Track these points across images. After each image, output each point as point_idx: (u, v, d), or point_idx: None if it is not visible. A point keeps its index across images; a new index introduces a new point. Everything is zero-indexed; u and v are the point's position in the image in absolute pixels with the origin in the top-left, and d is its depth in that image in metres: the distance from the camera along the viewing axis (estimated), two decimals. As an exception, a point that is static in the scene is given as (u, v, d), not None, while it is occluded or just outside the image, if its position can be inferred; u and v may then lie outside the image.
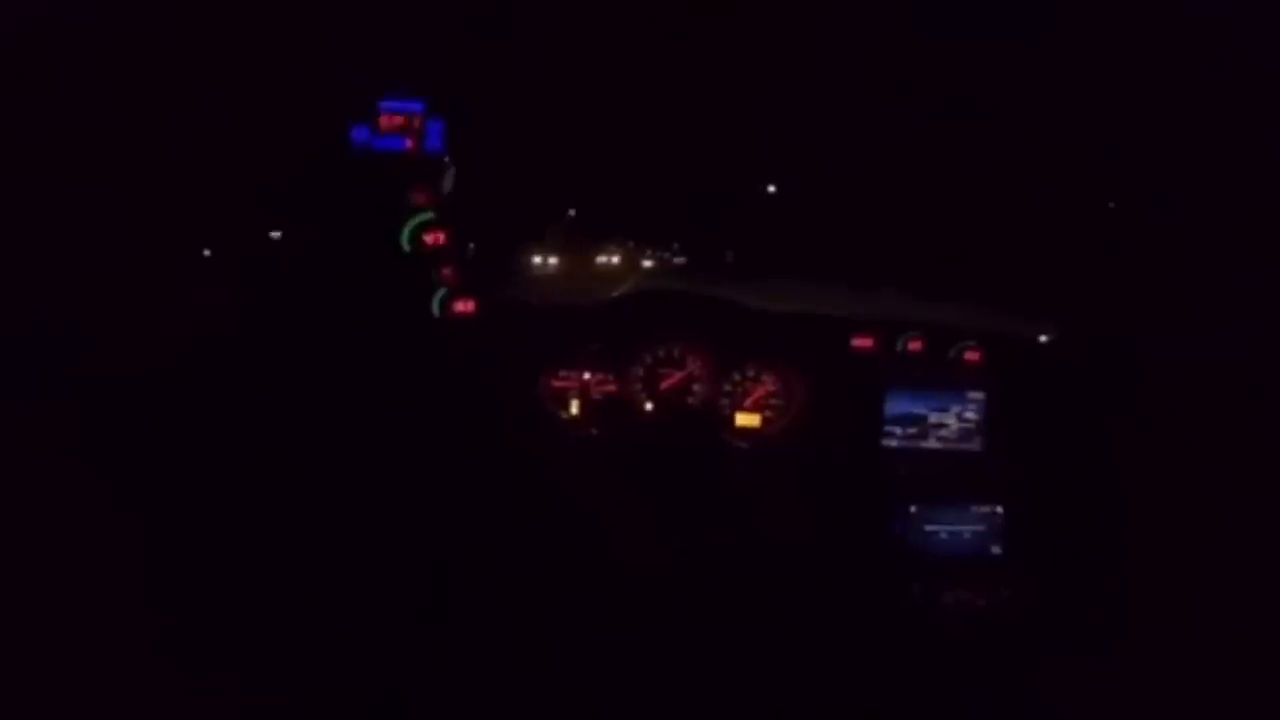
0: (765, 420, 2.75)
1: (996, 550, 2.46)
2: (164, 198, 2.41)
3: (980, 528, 2.46)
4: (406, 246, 2.50)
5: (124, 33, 2.19)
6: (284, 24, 2.32)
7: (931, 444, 2.60)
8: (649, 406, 2.73)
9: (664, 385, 2.74)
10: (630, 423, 2.69)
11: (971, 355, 2.76)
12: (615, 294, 3.51)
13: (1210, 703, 2.07)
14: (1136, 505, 2.39)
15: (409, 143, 2.48)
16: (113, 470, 2.08)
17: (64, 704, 1.78)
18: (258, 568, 2.08)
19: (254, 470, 2.17)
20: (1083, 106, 2.65)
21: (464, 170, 2.55)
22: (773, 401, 2.76)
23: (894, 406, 2.59)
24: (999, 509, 2.46)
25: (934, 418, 2.61)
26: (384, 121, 2.47)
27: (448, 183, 2.53)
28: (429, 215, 2.51)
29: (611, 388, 2.72)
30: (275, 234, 2.65)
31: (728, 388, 2.75)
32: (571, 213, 3.64)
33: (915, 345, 2.76)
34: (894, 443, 2.59)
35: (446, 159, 2.51)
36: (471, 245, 2.61)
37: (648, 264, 4.00)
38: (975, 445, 2.61)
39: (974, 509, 2.46)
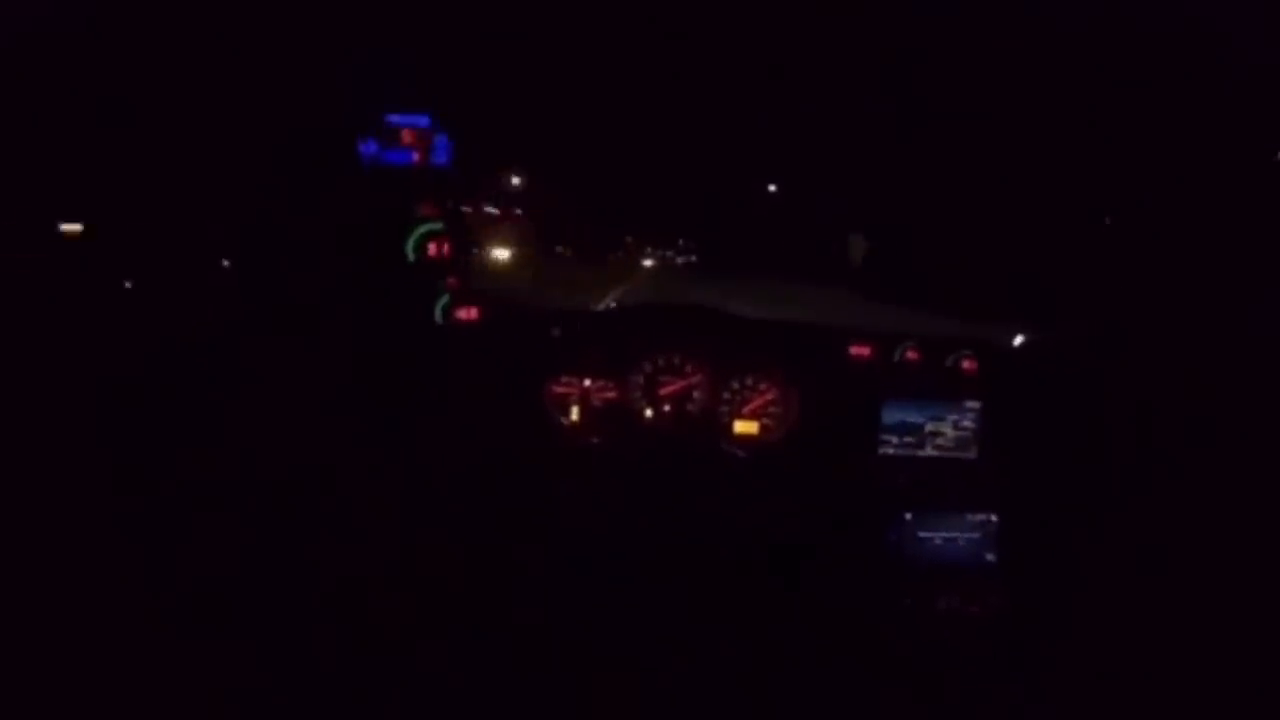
0: (764, 428, 2.77)
1: (991, 557, 2.46)
2: (182, 210, 2.49)
3: (975, 535, 2.46)
4: (411, 255, 2.57)
5: (136, 47, 2.26)
6: (294, 40, 2.39)
7: (928, 452, 2.62)
8: (649, 413, 2.76)
9: (664, 392, 2.77)
10: (630, 429, 2.72)
11: (968, 364, 2.78)
12: (615, 297, 3.55)
13: (1206, 709, 2.08)
14: (1131, 513, 2.41)
15: (416, 156, 2.55)
16: (121, 473, 2.14)
17: (64, 703, 1.82)
18: (258, 568, 2.12)
19: (258, 473, 2.22)
20: (1083, 108, 2.67)
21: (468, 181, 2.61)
22: (771, 410, 2.79)
23: (891, 415, 2.60)
24: (994, 516, 2.46)
25: (930, 426, 2.61)
26: (393, 135, 2.54)
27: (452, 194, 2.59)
28: (434, 226, 2.57)
29: (612, 394, 2.75)
30: (282, 244, 2.71)
31: (727, 396, 2.78)
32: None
33: (912, 354, 2.78)
34: (891, 451, 2.60)
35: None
36: (475, 252, 2.67)
37: (648, 264, 4.03)
38: (971, 453, 2.62)
39: (969, 516, 2.46)
